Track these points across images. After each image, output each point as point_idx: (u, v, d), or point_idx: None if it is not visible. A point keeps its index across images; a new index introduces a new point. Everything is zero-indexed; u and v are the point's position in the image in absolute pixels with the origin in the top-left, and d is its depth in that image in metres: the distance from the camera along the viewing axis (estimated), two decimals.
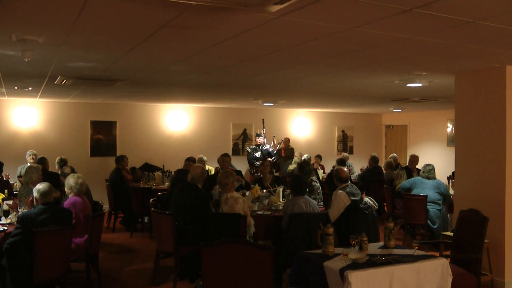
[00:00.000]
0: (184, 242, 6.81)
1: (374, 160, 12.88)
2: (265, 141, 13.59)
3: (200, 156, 12.23)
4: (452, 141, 15.35)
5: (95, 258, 6.91)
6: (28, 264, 5.60)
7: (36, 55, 6.37)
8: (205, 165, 11.81)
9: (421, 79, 8.42)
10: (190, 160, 10.98)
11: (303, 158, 12.71)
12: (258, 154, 12.85)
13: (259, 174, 9.55)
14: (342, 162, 13.29)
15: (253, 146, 13.83)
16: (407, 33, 5.08)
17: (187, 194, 7.07)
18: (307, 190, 7.22)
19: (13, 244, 5.71)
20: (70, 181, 6.72)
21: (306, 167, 8.31)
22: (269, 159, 10.97)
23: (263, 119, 14.25)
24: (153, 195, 9.59)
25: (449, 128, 16.13)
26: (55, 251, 5.75)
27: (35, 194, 6.12)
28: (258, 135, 13.91)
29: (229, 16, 4.45)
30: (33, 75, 8.44)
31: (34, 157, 10.95)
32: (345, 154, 15.67)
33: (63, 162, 10.64)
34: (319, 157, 14.92)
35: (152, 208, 7.48)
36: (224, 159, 9.64)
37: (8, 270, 5.72)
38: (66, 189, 6.81)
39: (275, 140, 14.31)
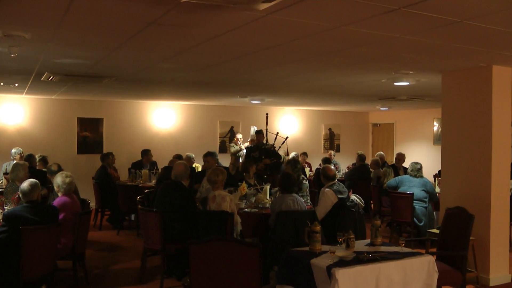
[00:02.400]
0: (171, 239, 6.80)
1: (360, 158, 12.92)
2: (267, 139, 12.18)
3: (188, 153, 12.21)
4: (438, 139, 15.45)
5: (82, 256, 6.87)
6: (15, 262, 5.56)
7: (22, 51, 6.32)
8: (193, 163, 11.81)
9: (408, 78, 8.47)
10: (177, 158, 10.93)
11: (291, 156, 12.65)
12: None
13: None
14: (327, 161, 13.32)
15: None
16: (395, 32, 5.12)
17: (171, 192, 7.06)
18: (296, 188, 7.23)
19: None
20: (58, 180, 6.67)
21: (297, 165, 8.32)
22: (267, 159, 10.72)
23: (267, 113, 13.57)
24: (140, 192, 9.56)
25: (436, 126, 16.24)
26: (41, 249, 5.72)
27: (19, 192, 6.10)
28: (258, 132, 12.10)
29: (218, 13, 4.45)
30: (20, 71, 8.38)
31: (21, 156, 10.86)
32: (332, 152, 15.70)
33: (43, 160, 10.55)
34: (305, 154, 14.95)
35: (139, 206, 7.46)
36: (205, 159, 9.63)
37: None
38: (55, 187, 6.78)
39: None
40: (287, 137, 13.06)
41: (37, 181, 6.22)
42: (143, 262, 7.16)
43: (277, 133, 12.61)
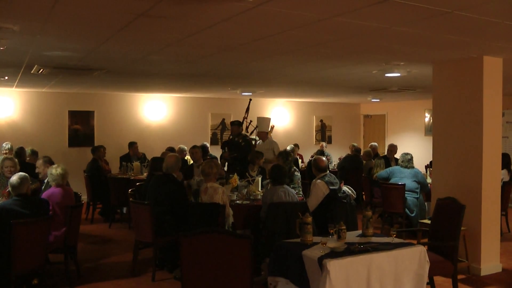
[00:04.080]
0: (162, 232, 6.80)
1: (356, 149, 12.95)
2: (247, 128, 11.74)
3: (180, 146, 12.19)
4: (429, 130, 15.49)
5: (74, 250, 6.86)
6: (6, 256, 5.55)
7: (11, 43, 6.28)
8: (185, 155, 11.78)
9: (399, 69, 8.47)
10: (170, 150, 10.91)
11: (288, 149, 12.63)
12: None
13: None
14: (321, 153, 13.35)
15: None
16: (385, 23, 5.11)
17: (162, 185, 7.05)
18: (288, 180, 7.24)
19: None
20: (52, 171, 6.69)
21: (289, 157, 8.33)
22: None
23: (250, 99, 12.62)
24: (131, 185, 9.54)
25: (427, 117, 16.27)
26: (32, 242, 5.71)
27: (9, 185, 6.08)
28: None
29: (207, 5, 4.43)
30: (9, 64, 8.32)
31: (9, 151, 10.79)
32: (324, 143, 15.71)
33: (34, 153, 10.50)
34: (297, 146, 14.94)
35: (131, 199, 7.44)
36: (192, 151, 9.73)
37: None
38: (48, 180, 6.77)
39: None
40: (250, 100, 12.45)
41: (27, 174, 6.19)
42: (135, 255, 7.15)
43: (250, 121, 11.78)
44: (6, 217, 5.59)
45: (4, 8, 4.72)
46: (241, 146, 10.13)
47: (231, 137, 10.75)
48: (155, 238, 6.76)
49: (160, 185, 7.06)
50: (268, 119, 11.33)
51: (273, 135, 15.63)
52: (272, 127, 11.38)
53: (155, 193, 7.01)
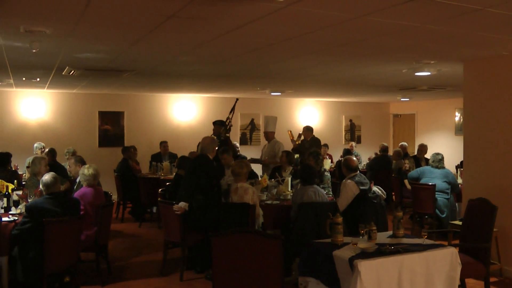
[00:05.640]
0: (193, 228, 6.82)
1: (383, 149, 12.83)
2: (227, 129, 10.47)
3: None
4: (460, 130, 15.29)
5: (105, 248, 6.95)
6: (38, 254, 5.64)
7: (43, 46, 6.38)
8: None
9: (429, 67, 8.38)
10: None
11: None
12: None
13: None
14: (348, 152, 13.26)
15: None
16: (416, 21, 5.06)
17: (198, 163, 7.10)
18: (317, 179, 7.22)
19: (21, 232, 5.79)
20: (84, 171, 6.78)
21: (319, 157, 8.30)
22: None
23: (236, 99, 11.27)
24: (161, 185, 9.61)
25: (457, 117, 16.06)
26: (65, 241, 5.79)
27: (40, 185, 6.17)
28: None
29: (237, 5, 4.43)
30: (41, 66, 8.45)
31: (42, 150, 10.99)
32: (353, 143, 15.63)
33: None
34: (326, 146, 14.88)
35: (159, 199, 7.49)
36: (221, 157, 9.04)
37: (18, 260, 5.76)
38: (80, 179, 6.86)
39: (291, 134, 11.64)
40: (237, 99, 11.16)
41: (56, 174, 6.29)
42: (165, 255, 7.20)
43: (230, 125, 10.52)
44: (38, 215, 5.69)
45: (37, 12, 4.80)
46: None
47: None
48: (183, 237, 6.81)
49: (195, 164, 7.10)
50: (275, 118, 11.05)
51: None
52: (300, 135, 10.98)
53: (189, 176, 7.03)
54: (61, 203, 6.00)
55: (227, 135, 10.29)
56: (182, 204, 6.74)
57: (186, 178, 7.07)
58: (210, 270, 6.58)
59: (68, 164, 8.18)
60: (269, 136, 10.57)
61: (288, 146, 10.82)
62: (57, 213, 5.84)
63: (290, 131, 11.26)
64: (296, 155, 11.83)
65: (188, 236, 6.86)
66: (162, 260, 7.24)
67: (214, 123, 10.34)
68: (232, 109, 10.54)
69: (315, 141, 10.79)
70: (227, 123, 10.14)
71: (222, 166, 8.49)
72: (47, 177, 6.13)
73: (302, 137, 10.93)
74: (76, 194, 6.60)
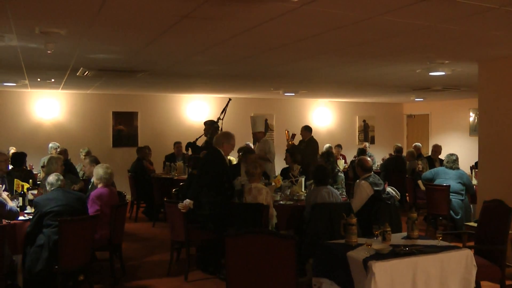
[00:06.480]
0: (201, 227, 6.85)
1: (397, 149, 12.75)
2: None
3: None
4: (474, 130, 15.20)
5: (119, 248, 6.98)
6: (52, 252, 5.71)
7: (58, 47, 6.41)
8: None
9: (443, 67, 8.33)
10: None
11: (324, 148, 12.55)
12: None
13: None
14: (362, 152, 13.21)
15: None
16: (430, 21, 5.03)
17: (206, 159, 7.15)
18: (331, 180, 7.19)
19: (32, 228, 5.92)
20: (99, 171, 6.80)
21: (330, 157, 8.27)
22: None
23: (229, 99, 10.83)
24: (175, 185, 9.62)
25: (472, 117, 15.96)
26: (79, 240, 5.82)
27: (46, 184, 6.29)
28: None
29: (251, 5, 4.43)
30: (56, 67, 8.51)
31: (57, 150, 11.06)
32: (367, 143, 15.57)
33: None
34: (339, 147, 14.85)
35: (165, 198, 7.49)
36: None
37: (32, 258, 5.81)
38: (94, 179, 6.88)
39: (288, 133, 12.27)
40: (229, 99, 10.70)
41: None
42: (172, 255, 7.25)
43: (218, 118, 10.16)
44: (42, 204, 5.90)
45: (52, 13, 4.83)
46: (200, 148, 9.56)
47: (197, 138, 10.09)
48: (187, 237, 6.83)
49: (207, 158, 7.15)
50: (262, 118, 10.76)
51: (316, 136, 15.53)
52: (294, 136, 10.72)
53: (201, 168, 7.06)
54: (65, 195, 6.12)
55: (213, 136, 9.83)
56: (186, 201, 6.74)
57: (196, 176, 7.11)
58: (223, 270, 6.61)
59: (82, 164, 8.22)
60: (258, 136, 10.24)
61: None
62: (60, 202, 5.96)
63: (287, 131, 11.16)
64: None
65: (193, 236, 6.88)
66: (171, 260, 7.25)
67: (205, 123, 10.13)
68: (224, 110, 10.30)
69: (312, 142, 10.54)
70: (218, 123, 9.94)
71: (239, 164, 8.46)
72: (50, 178, 6.28)
73: (295, 137, 10.64)
74: (93, 195, 6.62)
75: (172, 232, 7.16)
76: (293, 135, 10.50)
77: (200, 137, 9.77)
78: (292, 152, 9.59)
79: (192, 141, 9.67)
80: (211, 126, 9.80)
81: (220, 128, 9.77)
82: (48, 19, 5.06)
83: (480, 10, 4.58)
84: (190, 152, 9.73)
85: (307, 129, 10.78)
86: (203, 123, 10.23)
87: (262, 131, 10.36)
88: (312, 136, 10.63)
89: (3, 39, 5.98)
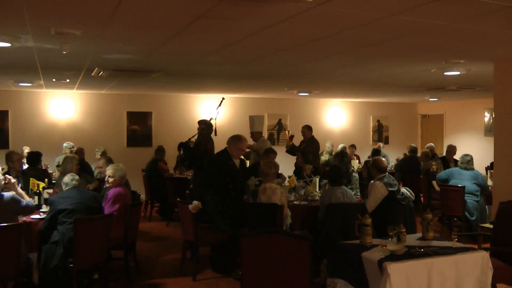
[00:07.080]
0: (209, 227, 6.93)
1: (411, 150, 12.66)
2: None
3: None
4: (490, 130, 15.08)
5: (133, 247, 7.01)
6: (67, 250, 5.76)
7: (73, 47, 6.46)
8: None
9: (458, 67, 8.27)
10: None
11: (339, 148, 12.53)
12: None
13: None
14: (377, 152, 13.16)
15: None
16: (445, 20, 5.00)
17: (210, 160, 7.40)
18: (345, 180, 7.18)
19: (47, 225, 5.98)
20: (111, 170, 6.84)
21: (344, 157, 8.25)
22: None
23: (223, 98, 10.61)
24: (188, 185, 9.64)
25: (487, 117, 15.83)
26: (94, 239, 5.87)
27: (62, 185, 6.32)
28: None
29: (265, 6, 4.43)
30: (71, 67, 8.56)
31: (71, 150, 11.13)
32: (381, 144, 15.51)
33: (101, 153, 10.82)
34: (353, 147, 14.80)
35: (178, 199, 7.52)
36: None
37: (48, 255, 5.86)
38: (110, 179, 6.92)
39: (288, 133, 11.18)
40: (223, 98, 10.48)
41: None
42: (183, 254, 7.29)
43: (210, 118, 10.02)
44: (56, 202, 5.97)
45: (68, 14, 4.85)
46: (190, 149, 9.41)
47: (191, 138, 9.83)
48: (196, 236, 6.85)
49: (208, 162, 7.32)
50: (261, 117, 10.67)
51: (329, 136, 15.52)
52: (292, 137, 10.51)
53: (209, 167, 7.21)
54: (80, 194, 6.17)
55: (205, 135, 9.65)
56: (195, 202, 6.78)
57: (199, 176, 7.20)
58: (237, 270, 6.63)
59: (97, 164, 8.26)
60: (256, 136, 10.14)
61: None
62: (75, 200, 6.02)
63: (288, 131, 11.13)
64: (325, 157, 11.75)
65: (202, 236, 6.92)
66: (185, 259, 7.28)
67: (199, 122, 9.85)
68: (218, 108, 10.19)
69: (313, 142, 10.41)
70: (213, 124, 9.81)
71: (258, 164, 8.45)
72: (66, 178, 6.34)
73: (294, 138, 10.59)
74: (111, 195, 6.64)
75: (183, 231, 7.20)
76: (292, 136, 10.50)
77: (193, 136, 9.71)
78: (291, 153, 9.57)
79: (184, 141, 9.59)
80: (204, 125, 9.63)
81: (214, 128, 9.73)
82: (63, 20, 5.09)
83: (495, 8, 4.54)
84: (181, 152, 9.63)
85: (308, 128, 10.70)
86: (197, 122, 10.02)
87: (260, 131, 10.30)
88: (313, 136, 10.58)
89: (19, 40, 6.02)
